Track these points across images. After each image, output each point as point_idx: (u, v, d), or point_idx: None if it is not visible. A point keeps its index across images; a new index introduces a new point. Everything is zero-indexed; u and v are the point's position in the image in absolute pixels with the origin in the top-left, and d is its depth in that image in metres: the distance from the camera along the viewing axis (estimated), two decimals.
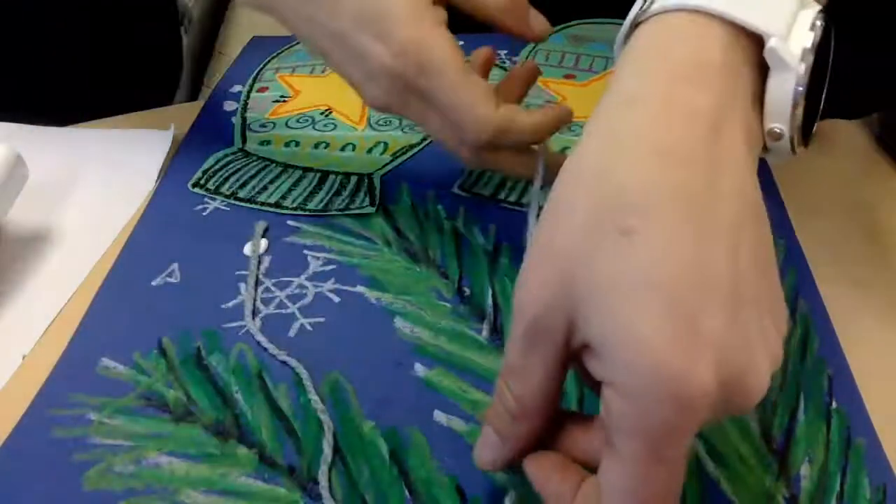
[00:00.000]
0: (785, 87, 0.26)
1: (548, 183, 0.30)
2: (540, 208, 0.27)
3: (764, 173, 0.46)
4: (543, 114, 0.36)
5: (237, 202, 0.45)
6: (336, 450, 0.32)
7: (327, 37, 0.36)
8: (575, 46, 0.56)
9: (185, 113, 0.54)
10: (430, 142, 0.49)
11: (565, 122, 0.37)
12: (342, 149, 0.49)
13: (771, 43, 0.25)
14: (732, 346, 0.22)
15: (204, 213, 0.45)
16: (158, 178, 0.48)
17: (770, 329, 0.24)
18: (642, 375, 0.21)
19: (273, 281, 0.40)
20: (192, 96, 0.79)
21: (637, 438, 0.22)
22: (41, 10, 0.57)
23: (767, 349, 0.24)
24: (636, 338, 0.21)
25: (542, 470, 0.27)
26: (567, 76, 0.54)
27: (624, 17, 0.28)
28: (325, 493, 0.31)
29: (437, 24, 0.35)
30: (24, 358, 0.37)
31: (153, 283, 0.40)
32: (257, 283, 0.40)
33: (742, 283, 0.23)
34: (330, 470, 0.32)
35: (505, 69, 0.56)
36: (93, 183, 0.48)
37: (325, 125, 0.51)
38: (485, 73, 0.39)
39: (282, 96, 0.54)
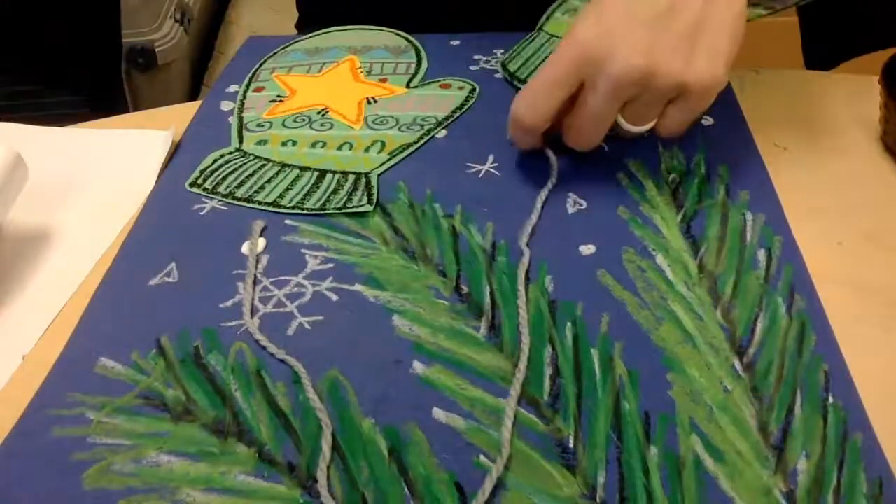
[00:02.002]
0: None
1: None
2: None
3: (762, 174, 0.46)
4: None
5: (234, 201, 0.45)
6: (335, 448, 0.33)
7: None
8: None
9: (184, 113, 0.54)
10: (428, 140, 0.50)
11: None
12: (339, 148, 0.49)
13: None
14: (618, 31, 0.39)
15: (201, 213, 0.45)
16: (158, 178, 0.48)
17: (663, 42, 0.39)
18: (569, 45, 0.40)
19: (271, 280, 0.40)
20: (193, 96, 0.79)
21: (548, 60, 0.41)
22: None
23: (644, 47, 0.39)
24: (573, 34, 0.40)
25: None
26: None
27: None
28: (323, 491, 0.31)
29: None
30: (24, 358, 0.37)
31: (151, 283, 0.41)
32: (255, 282, 0.40)
33: (646, 13, 0.39)
34: (328, 468, 0.32)
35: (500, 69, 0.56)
36: (93, 183, 0.48)
37: (321, 124, 0.51)
38: None
39: (278, 96, 0.54)
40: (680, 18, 0.39)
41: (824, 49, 0.64)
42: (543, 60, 0.52)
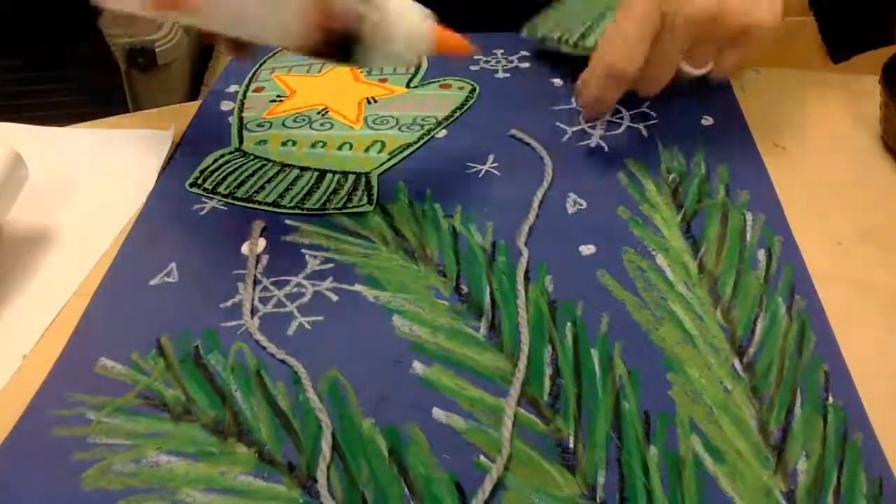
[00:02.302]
0: None
1: None
2: None
3: (762, 174, 0.46)
4: None
5: (234, 202, 0.45)
6: (335, 448, 0.33)
7: None
8: None
9: (184, 113, 0.54)
10: (428, 140, 0.50)
11: None
12: (339, 148, 0.49)
13: None
14: None
15: (201, 213, 0.45)
16: (158, 178, 0.48)
17: None
18: None
19: (271, 280, 0.40)
20: (193, 96, 0.79)
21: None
22: None
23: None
24: None
25: None
26: None
27: None
28: (323, 491, 0.31)
29: None
30: (24, 358, 0.37)
31: (151, 283, 0.41)
32: (255, 282, 0.40)
33: None
34: (328, 468, 0.32)
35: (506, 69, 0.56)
36: (93, 183, 0.48)
37: (321, 124, 0.51)
38: None
39: (278, 96, 0.54)
40: None
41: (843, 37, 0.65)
42: (573, 22, 0.53)
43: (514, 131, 0.50)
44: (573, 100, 0.51)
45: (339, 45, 0.37)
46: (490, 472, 0.31)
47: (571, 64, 0.51)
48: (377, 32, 0.37)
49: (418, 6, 0.39)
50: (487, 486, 0.31)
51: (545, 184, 0.45)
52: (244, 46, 0.42)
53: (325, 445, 0.32)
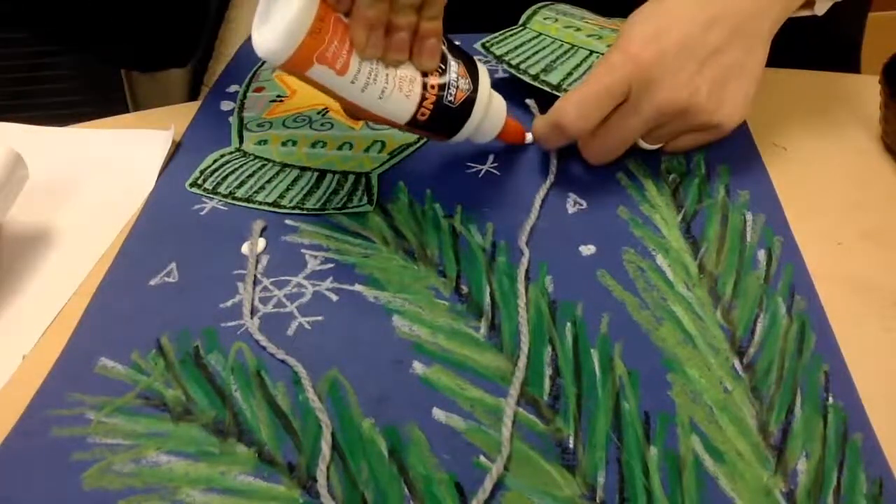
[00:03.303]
0: None
1: None
2: None
3: (762, 174, 0.46)
4: None
5: (235, 202, 0.45)
6: (335, 448, 0.33)
7: None
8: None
9: (184, 113, 0.54)
10: (427, 141, 0.50)
11: None
12: (339, 148, 0.49)
13: None
14: (669, 61, 0.41)
15: (201, 213, 0.45)
16: (158, 178, 0.48)
17: (704, 79, 0.42)
18: (617, 47, 0.42)
19: (271, 280, 0.40)
20: (193, 96, 0.79)
21: (600, 64, 0.42)
22: None
23: (687, 82, 0.42)
24: (623, 35, 0.43)
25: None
26: None
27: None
28: (323, 491, 0.31)
29: None
30: (24, 358, 0.37)
31: (151, 283, 0.41)
32: (255, 282, 0.40)
33: (701, 51, 0.42)
34: (328, 468, 0.32)
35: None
36: (93, 183, 0.48)
37: (321, 124, 0.51)
38: None
39: (278, 96, 0.54)
40: (723, 61, 0.42)
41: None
42: (536, 53, 0.52)
43: (529, 101, 0.51)
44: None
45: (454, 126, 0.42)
46: (490, 471, 0.31)
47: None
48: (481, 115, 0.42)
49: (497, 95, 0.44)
50: (488, 485, 0.31)
51: (548, 184, 0.45)
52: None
53: (325, 446, 0.32)
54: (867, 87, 0.51)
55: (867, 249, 0.41)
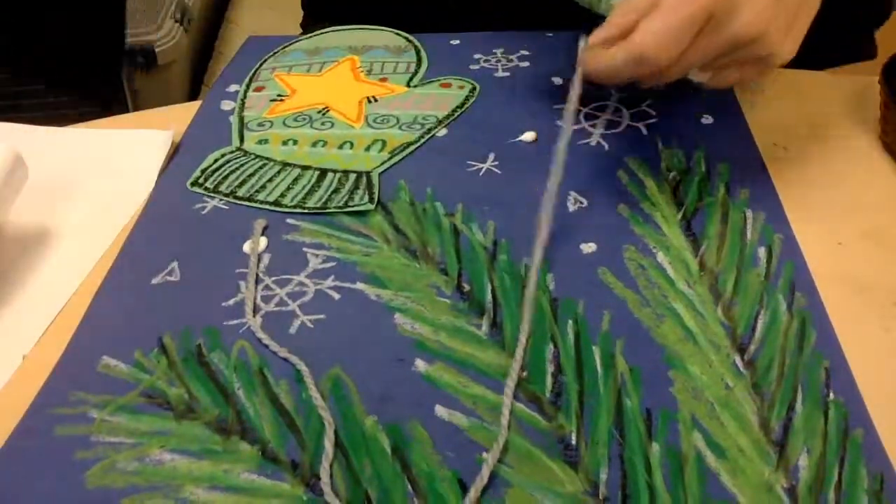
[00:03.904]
0: None
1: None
2: None
3: (762, 172, 0.46)
4: None
5: (236, 201, 0.45)
6: (338, 445, 0.33)
7: None
8: None
9: (184, 113, 0.54)
10: (429, 139, 0.50)
11: None
12: (340, 147, 0.49)
13: None
14: None
15: (203, 212, 0.45)
16: (158, 178, 0.48)
17: (780, 11, 0.39)
18: None
19: (273, 279, 0.40)
20: (193, 96, 0.79)
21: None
22: None
23: (769, 12, 0.39)
24: None
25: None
26: None
27: None
28: (327, 489, 0.31)
29: None
30: (24, 358, 0.37)
31: (153, 282, 0.41)
32: (257, 280, 0.40)
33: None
34: (331, 466, 0.32)
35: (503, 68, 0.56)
36: (93, 183, 0.48)
37: (322, 123, 0.51)
38: None
39: (279, 95, 0.54)
40: None
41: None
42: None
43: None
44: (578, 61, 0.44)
45: None
46: (488, 462, 0.31)
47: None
48: None
49: None
50: (485, 472, 0.31)
51: (552, 182, 0.45)
52: None
53: (329, 444, 0.32)
54: (867, 87, 0.51)
55: (867, 249, 0.41)
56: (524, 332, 0.37)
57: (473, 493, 0.31)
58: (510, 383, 0.34)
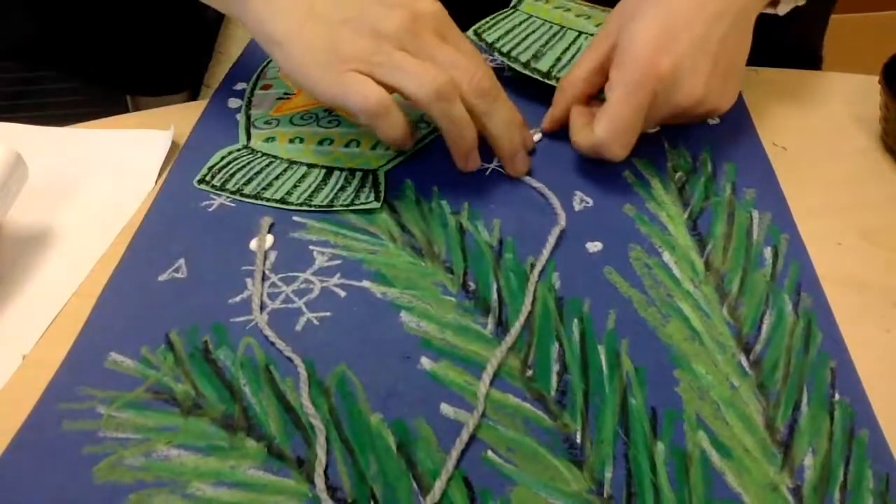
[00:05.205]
0: None
1: None
2: None
3: (768, 172, 0.46)
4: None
5: (242, 198, 0.45)
6: (343, 442, 0.33)
7: None
8: None
9: (185, 113, 0.54)
10: (434, 138, 0.50)
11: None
12: (346, 145, 0.49)
13: None
14: (687, 63, 0.42)
15: (210, 209, 0.45)
16: (158, 178, 0.48)
17: (716, 73, 0.44)
18: (634, 59, 0.42)
19: (279, 276, 0.41)
20: (193, 96, 0.79)
21: (623, 84, 0.42)
22: None
23: (704, 79, 0.43)
24: (636, 42, 0.42)
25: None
26: None
27: None
28: (323, 494, 0.31)
29: None
30: (23, 358, 0.37)
31: (160, 279, 0.41)
32: (264, 278, 0.40)
33: (712, 45, 0.43)
34: (325, 472, 0.32)
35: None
36: (93, 183, 0.48)
37: (329, 121, 0.51)
38: None
39: (285, 93, 0.54)
40: (729, 52, 0.44)
41: None
42: (526, 38, 0.54)
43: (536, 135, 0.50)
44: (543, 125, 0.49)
45: None
46: (497, 466, 0.32)
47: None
48: None
49: None
50: (465, 434, 0.32)
51: (557, 184, 0.45)
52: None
53: (321, 451, 0.32)
54: (867, 87, 0.51)
55: (867, 249, 0.41)
56: (523, 314, 0.37)
57: (455, 453, 0.32)
58: (498, 355, 0.36)
